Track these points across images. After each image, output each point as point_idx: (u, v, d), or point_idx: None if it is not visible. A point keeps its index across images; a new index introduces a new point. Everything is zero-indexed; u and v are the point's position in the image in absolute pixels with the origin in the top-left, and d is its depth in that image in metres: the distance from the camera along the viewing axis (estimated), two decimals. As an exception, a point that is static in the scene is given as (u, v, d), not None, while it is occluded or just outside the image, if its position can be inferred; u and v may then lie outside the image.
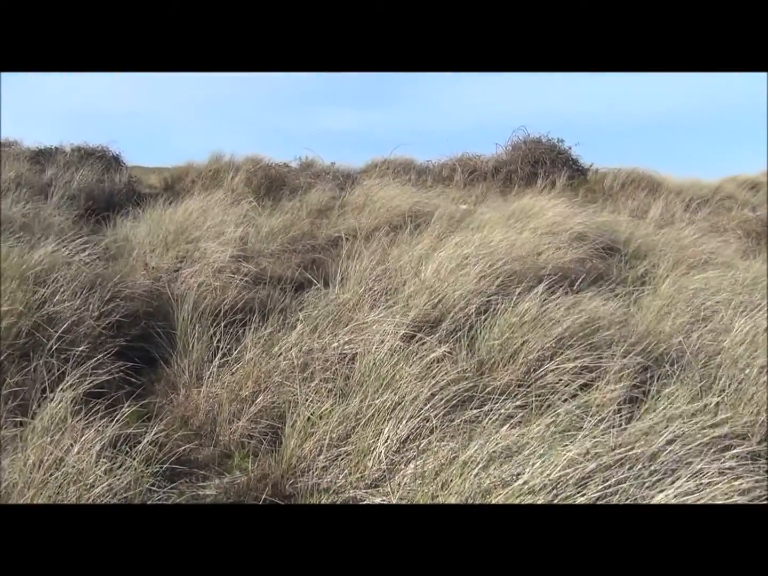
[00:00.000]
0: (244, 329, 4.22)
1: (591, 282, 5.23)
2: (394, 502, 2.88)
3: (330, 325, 4.30)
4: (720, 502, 2.59)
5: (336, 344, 4.07)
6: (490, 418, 3.24)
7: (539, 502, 2.61)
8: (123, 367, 3.87)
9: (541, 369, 3.92)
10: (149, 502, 2.81)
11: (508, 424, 3.14)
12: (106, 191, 10.28)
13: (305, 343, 4.06)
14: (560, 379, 3.81)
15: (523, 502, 2.62)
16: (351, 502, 2.98)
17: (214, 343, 4.10)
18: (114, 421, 3.09)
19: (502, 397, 3.43)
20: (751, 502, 2.66)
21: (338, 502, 2.98)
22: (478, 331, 4.32)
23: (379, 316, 4.36)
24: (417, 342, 3.99)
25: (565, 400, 3.47)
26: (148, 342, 4.44)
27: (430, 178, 13.66)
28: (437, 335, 4.13)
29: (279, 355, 3.95)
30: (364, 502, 2.95)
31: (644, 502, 2.61)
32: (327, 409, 3.42)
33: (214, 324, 4.22)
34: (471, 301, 4.76)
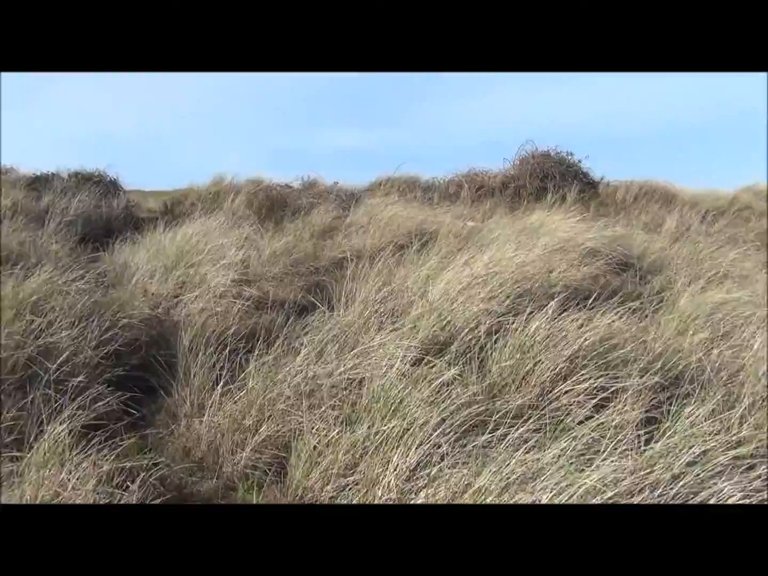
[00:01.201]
0: (247, 356, 4.09)
1: (605, 299, 5.06)
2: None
3: (335, 350, 4.16)
4: (720, 503, 2.56)
5: (342, 369, 3.93)
6: (503, 443, 3.10)
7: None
8: (122, 398, 3.76)
9: (555, 390, 3.77)
10: (149, 502, 2.77)
11: (522, 449, 3.00)
12: (104, 217, 10.14)
13: (310, 369, 3.92)
14: (575, 401, 3.66)
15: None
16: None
17: (216, 371, 3.96)
18: (113, 454, 2.98)
19: (516, 421, 3.29)
20: (751, 503, 2.62)
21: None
22: (489, 353, 4.18)
23: (386, 339, 4.23)
24: (425, 365, 3.86)
25: (581, 422, 3.32)
26: (148, 371, 4.30)
27: (436, 195, 13.42)
28: (446, 358, 3.99)
29: (283, 382, 3.81)
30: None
31: (645, 503, 2.57)
32: (333, 437, 3.29)
33: (216, 351, 4.10)
34: (480, 322, 4.60)
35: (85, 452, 2.98)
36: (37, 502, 2.68)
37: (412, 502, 2.91)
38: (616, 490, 2.68)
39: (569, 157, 13.97)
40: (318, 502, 2.95)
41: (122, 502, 2.75)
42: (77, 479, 2.77)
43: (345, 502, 3.02)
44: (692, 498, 2.71)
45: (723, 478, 2.81)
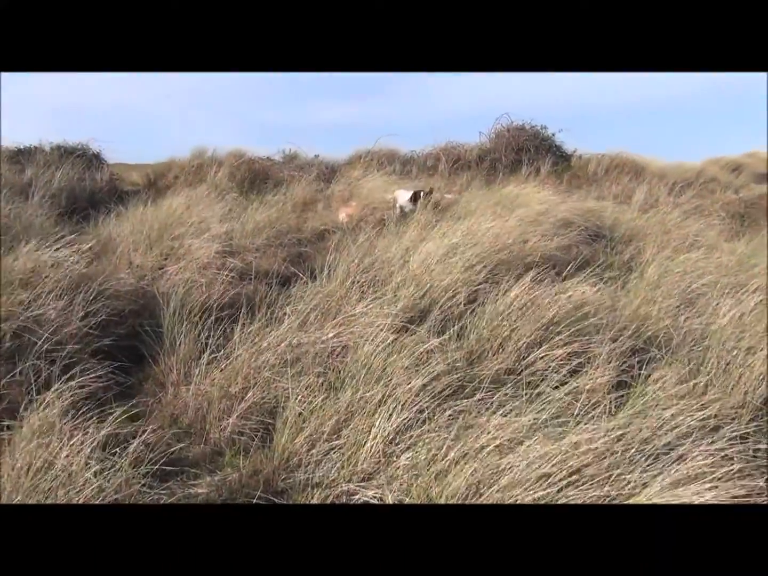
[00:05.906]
0: (232, 325, 4.18)
1: (578, 268, 5.23)
2: (388, 497, 2.86)
3: (318, 318, 4.28)
4: (720, 503, 2.56)
5: (325, 337, 4.04)
6: (481, 408, 3.24)
7: (540, 502, 2.63)
8: (111, 367, 3.83)
9: (531, 356, 3.91)
10: (144, 502, 2.78)
11: (499, 413, 3.14)
12: (87, 190, 10.15)
13: (294, 337, 4.02)
14: (549, 366, 3.81)
15: (517, 498, 2.63)
16: (344, 499, 2.96)
17: (202, 340, 4.05)
18: (103, 423, 3.05)
19: (494, 386, 3.43)
20: (751, 503, 2.67)
21: (330, 500, 2.95)
22: (467, 321, 4.31)
23: (368, 307, 4.34)
24: (407, 333, 3.97)
25: (556, 387, 3.47)
26: (135, 340, 4.38)
27: (414, 168, 13.59)
28: (426, 325, 4.11)
29: (268, 350, 3.90)
30: (357, 498, 2.94)
31: (645, 502, 2.59)
32: (318, 403, 3.39)
33: (202, 321, 4.17)
34: (459, 291, 4.75)
35: (76, 420, 3.04)
36: (29, 471, 2.71)
37: (394, 465, 3.03)
38: (591, 450, 2.84)
39: (543, 131, 14.22)
40: (318, 502, 2.96)
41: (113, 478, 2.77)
42: (70, 447, 2.84)
43: (331, 470, 3.10)
44: (664, 456, 2.86)
45: (690, 439, 2.98)
